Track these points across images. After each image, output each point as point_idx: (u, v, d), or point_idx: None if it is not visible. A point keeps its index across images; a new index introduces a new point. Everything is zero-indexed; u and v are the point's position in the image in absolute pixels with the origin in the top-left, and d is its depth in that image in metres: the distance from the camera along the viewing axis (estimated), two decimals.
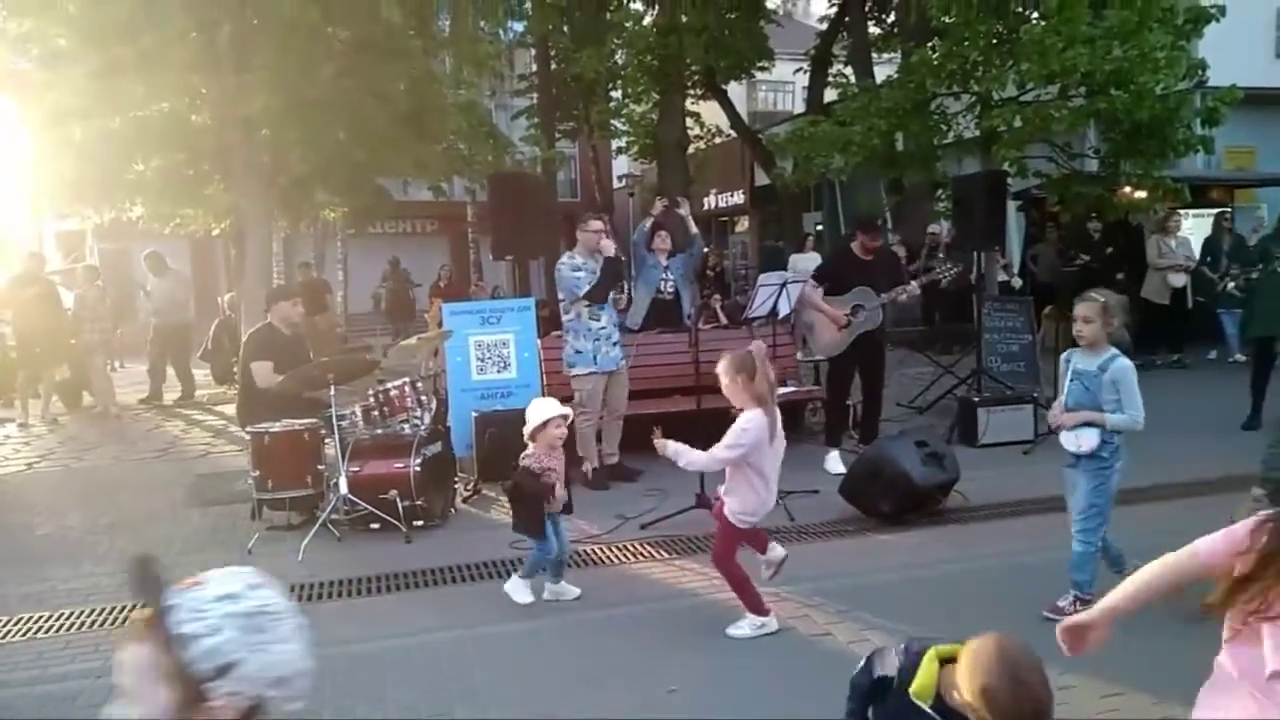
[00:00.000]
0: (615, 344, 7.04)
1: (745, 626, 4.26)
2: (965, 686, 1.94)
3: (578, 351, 6.91)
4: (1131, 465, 6.91)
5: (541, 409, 4.64)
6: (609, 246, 6.98)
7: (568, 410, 4.72)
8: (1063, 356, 4.38)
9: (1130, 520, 5.81)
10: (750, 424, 4.12)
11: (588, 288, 6.81)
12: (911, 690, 2.14)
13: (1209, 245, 12.09)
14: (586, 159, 25.07)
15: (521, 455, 4.64)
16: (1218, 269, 11.59)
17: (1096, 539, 4.27)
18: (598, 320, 6.93)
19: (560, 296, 7.04)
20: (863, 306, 7.27)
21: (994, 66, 9.39)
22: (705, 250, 12.45)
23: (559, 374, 8.07)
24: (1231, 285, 11.36)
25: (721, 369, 4.21)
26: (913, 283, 7.37)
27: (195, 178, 10.56)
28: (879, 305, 7.24)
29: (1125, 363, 4.16)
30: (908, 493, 5.71)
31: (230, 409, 9.68)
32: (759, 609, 4.27)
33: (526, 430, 4.63)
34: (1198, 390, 10.09)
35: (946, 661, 2.13)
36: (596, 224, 7.13)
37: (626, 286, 10.29)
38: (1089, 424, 4.15)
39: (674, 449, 4.26)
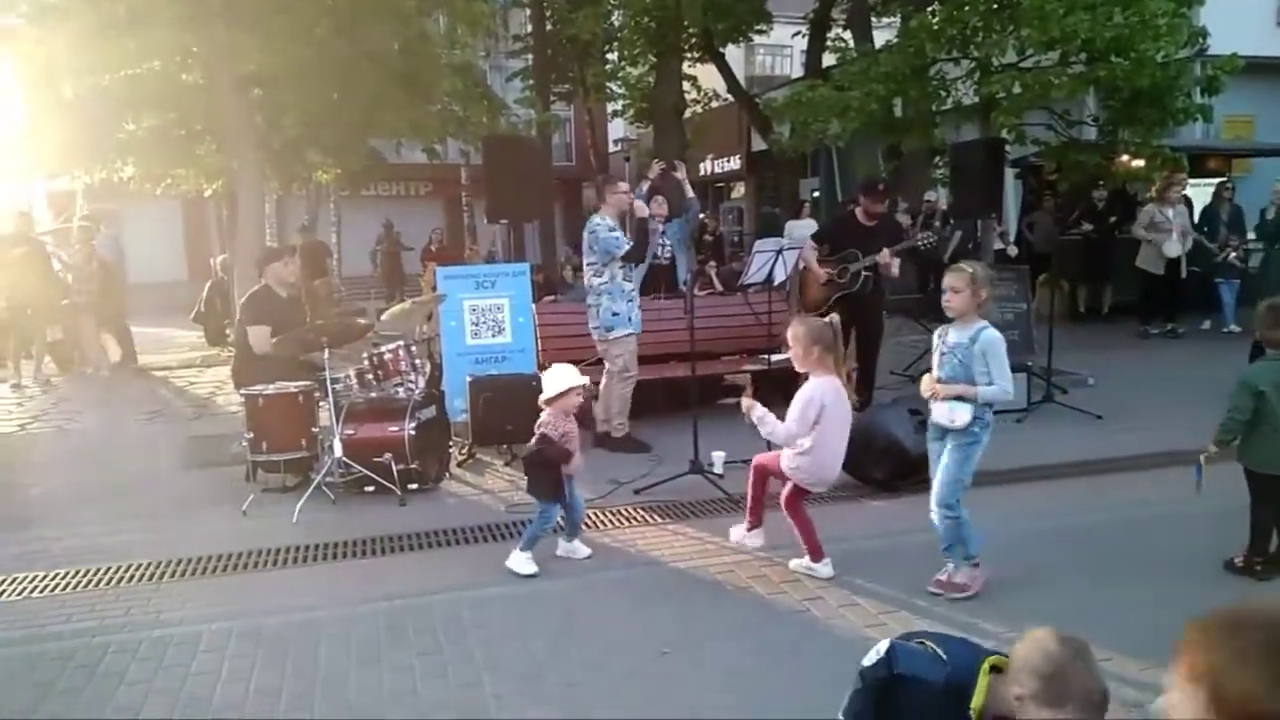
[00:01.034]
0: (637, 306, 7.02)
1: (800, 563, 4.55)
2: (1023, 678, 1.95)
3: (615, 314, 6.74)
4: (1119, 434, 7.03)
5: (563, 377, 4.60)
6: (641, 208, 6.99)
7: (586, 380, 4.69)
8: (935, 332, 4.30)
9: (1118, 487, 5.89)
10: (816, 393, 4.27)
11: (628, 247, 6.75)
12: (972, 707, 2.14)
13: (1207, 214, 12.06)
14: (582, 122, 24.85)
15: (537, 422, 4.63)
16: (1216, 238, 11.58)
17: (959, 510, 4.23)
18: (630, 281, 6.88)
19: (590, 260, 6.84)
20: (848, 268, 7.28)
21: (994, 32, 9.29)
22: (701, 215, 12.38)
23: (554, 338, 8.08)
24: (1232, 255, 11.38)
25: (797, 335, 4.31)
26: (885, 250, 7.28)
27: (187, 138, 10.47)
28: (860, 269, 7.24)
29: (994, 334, 4.08)
30: (900, 460, 5.73)
31: (224, 371, 9.66)
32: (818, 552, 4.49)
33: (543, 397, 4.62)
34: (1192, 360, 10.13)
35: (995, 670, 2.13)
36: (625, 185, 7.12)
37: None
38: (960, 398, 4.08)
39: (759, 414, 4.40)
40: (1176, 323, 11.68)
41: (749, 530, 4.83)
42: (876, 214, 7.43)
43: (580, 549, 4.84)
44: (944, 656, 2.29)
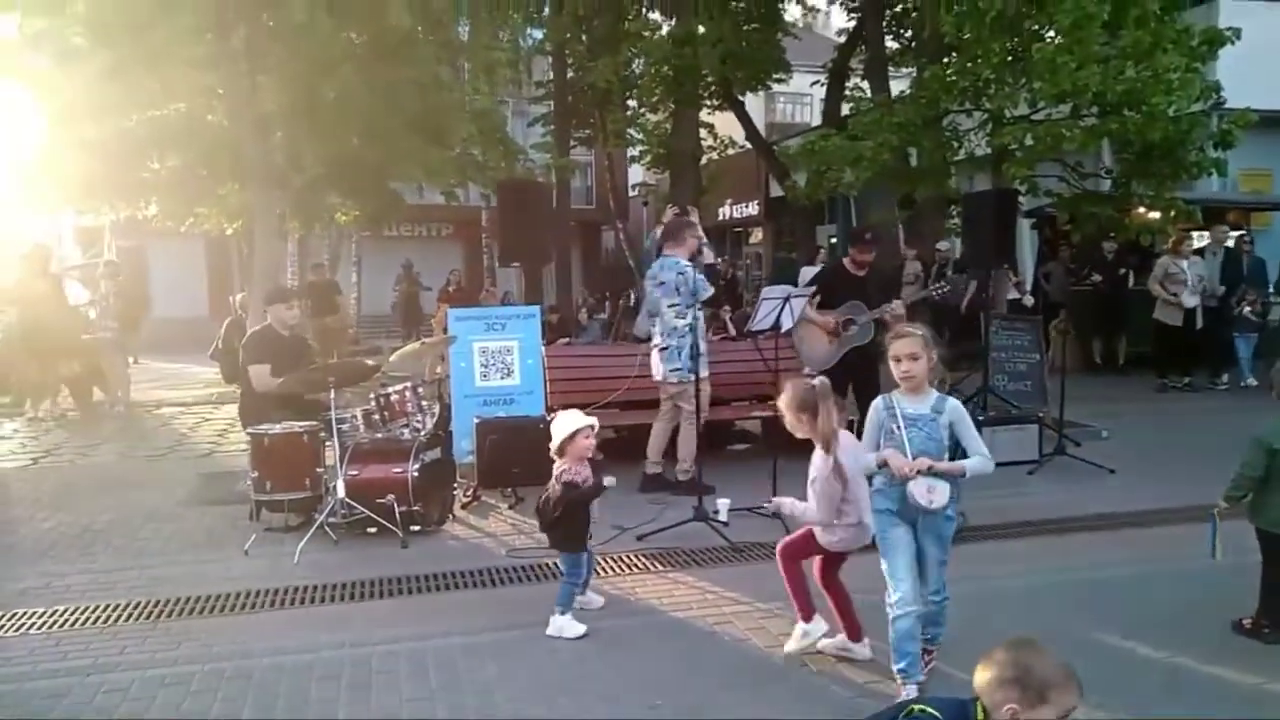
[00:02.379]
0: None
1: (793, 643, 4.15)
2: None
3: (701, 354, 6.61)
4: (1130, 489, 6.94)
5: (568, 421, 4.52)
6: (709, 254, 7.03)
7: (594, 420, 4.60)
8: (876, 404, 3.83)
9: (1127, 543, 5.80)
10: (825, 467, 3.86)
11: (712, 290, 6.78)
12: None
13: (1226, 268, 11.99)
14: (602, 166, 25.11)
15: (555, 471, 4.52)
16: (1235, 293, 11.51)
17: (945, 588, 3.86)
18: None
19: (674, 301, 6.72)
20: (854, 321, 7.24)
21: (1006, 84, 9.36)
22: (717, 260, 12.41)
23: (563, 381, 8.09)
24: (1248, 310, 11.29)
25: (783, 404, 3.95)
26: (896, 301, 7.24)
27: (209, 177, 10.63)
28: (869, 320, 7.21)
29: (956, 401, 3.76)
30: None
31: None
32: (809, 611, 4.10)
33: (554, 444, 4.52)
34: (1208, 414, 10.02)
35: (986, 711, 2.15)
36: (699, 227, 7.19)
37: None
38: (940, 475, 3.63)
39: (788, 509, 4.05)
40: (1193, 376, 11.58)
41: (808, 622, 4.14)
42: (866, 263, 7.41)
43: (594, 599, 4.78)
44: (938, 715, 2.30)
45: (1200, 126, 9.30)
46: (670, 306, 6.79)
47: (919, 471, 3.62)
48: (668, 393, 6.97)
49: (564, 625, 4.45)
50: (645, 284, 7.29)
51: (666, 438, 7.01)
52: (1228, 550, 4.34)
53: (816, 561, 4.09)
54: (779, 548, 4.17)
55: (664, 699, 3.77)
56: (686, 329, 6.69)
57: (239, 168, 9.70)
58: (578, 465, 4.51)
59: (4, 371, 11.79)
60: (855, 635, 4.11)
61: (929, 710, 2.36)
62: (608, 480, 4.53)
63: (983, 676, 2.09)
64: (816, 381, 3.94)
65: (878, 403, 3.83)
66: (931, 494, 3.62)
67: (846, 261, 7.51)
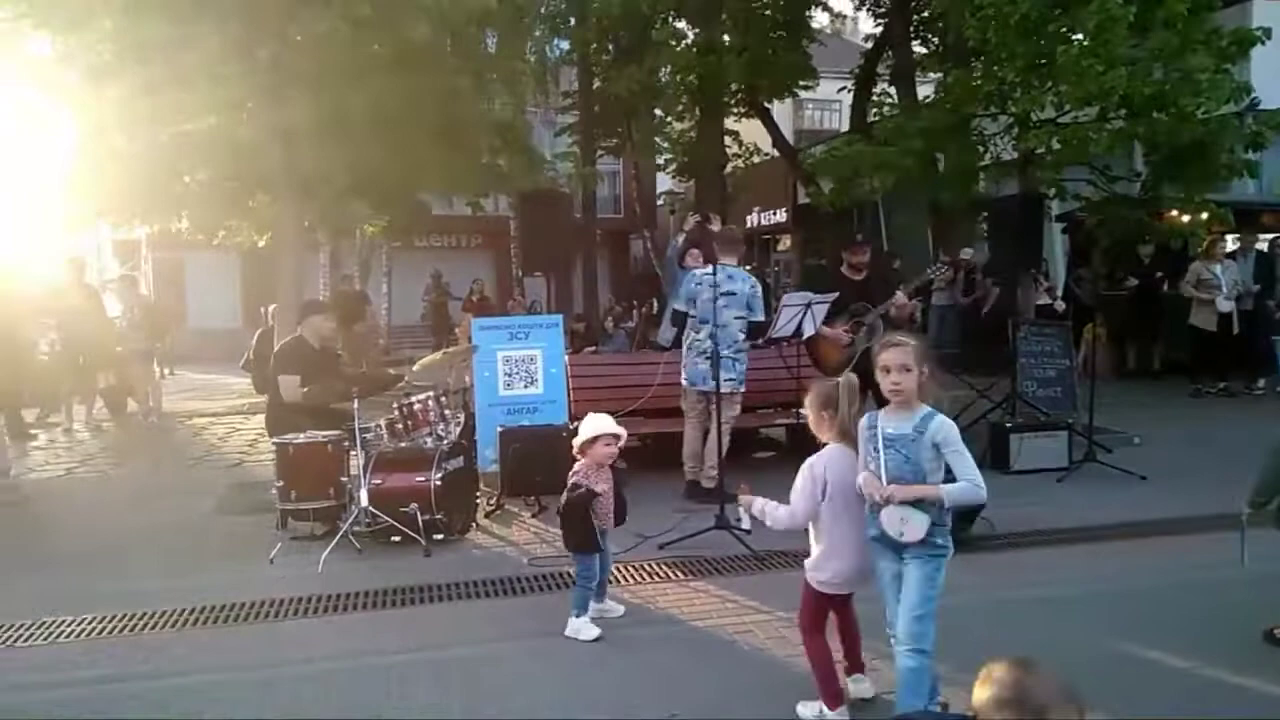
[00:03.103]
0: None
1: (810, 710, 3.65)
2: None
3: (745, 367, 6.91)
4: (1162, 496, 6.83)
5: (594, 424, 4.54)
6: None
7: (621, 430, 4.60)
8: (861, 422, 3.48)
9: (1157, 551, 5.70)
10: (819, 462, 3.59)
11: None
12: None
13: (1259, 271, 11.79)
14: (629, 175, 25.15)
15: (571, 470, 4.58)
16: (1272, 295, 11.33)
17: (930, 643, 3.32)
18: None
19: (739, 314, 6.82)
20: (862, 321, 7.22)
21: (1031, 88, 9.26)
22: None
23: (587, 390, 8.11)
24: None
25: (808, 403, 3.75)
26: (898, 292, 7.20)
27: (239, 190, 10.76)
28: (876, 317, 7.19)
29: (946, 419, 3.33)
30: None
31: None
32: (833, 698, 3.60)
33: (576, 444, 4.58)
34: (1243, 420, 9.84)
35: None
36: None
37: None
38: (917, 503, 3.26)
39: (758, 506, 3.78)
40: (1229, 381, 11.39)
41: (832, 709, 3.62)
42: (862, 264, 7.44)
43: (613, 608, 4.77)
44: None
45: (1231, 128, 9.14)
46: (737, 319, 6.82)
47: (888, 499, 3.29)
48: (691, 399, 6.96)
49: (579, 627, 4.48)
50: (692, 291, 7.21)
51: (701, 442, 7.01)
52: (1260, 558, 4.26)
53: (803, 605, 3.72)
54: (799, 621, 3.74)
55: (681, 708, 3.75)
56: (746, 343, 6.83)
57: (268, 180, 9.82)
58: (594, 471, 4.53)
59: (47, 383, 12.02)
60: (832, 702, 3.61)
61: None
62: (599, 487, 4.51)
63: (980, 695, 2.07)
64: (842, 378, 3.74)
65: (863, 421, 3.49)
66: (904, 525, 3.26)
67: (844, 269, 7.53)
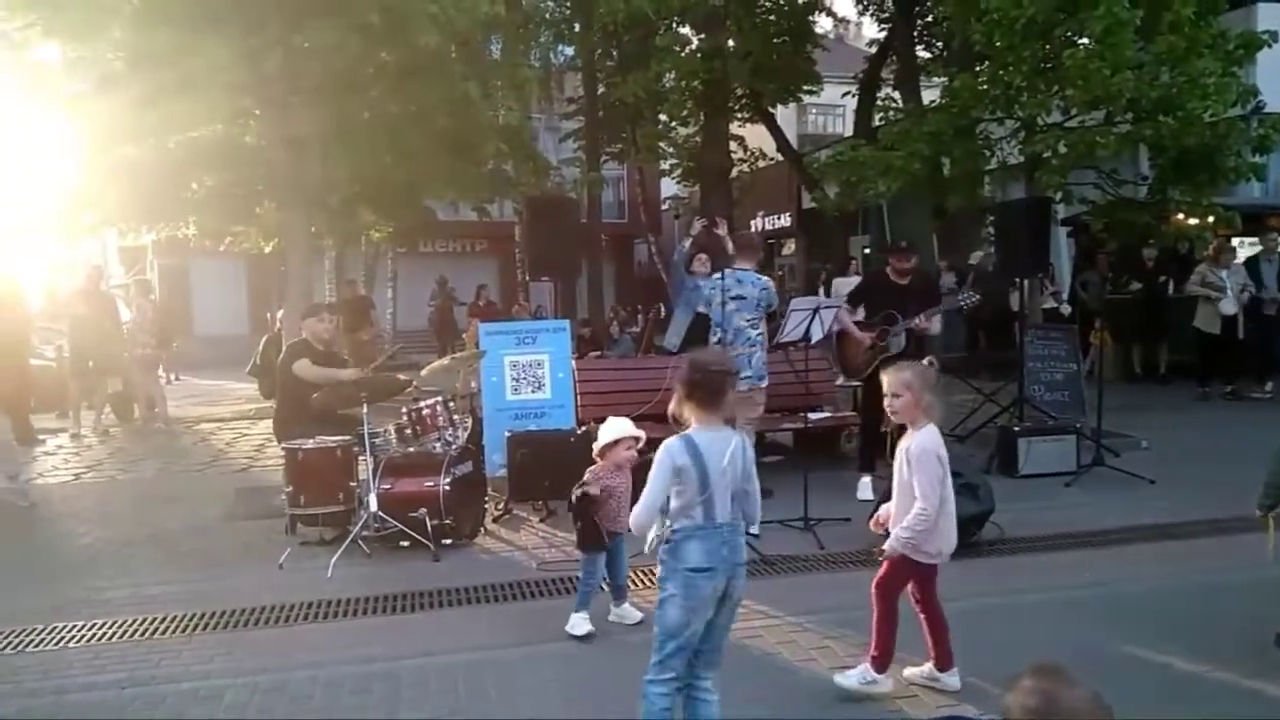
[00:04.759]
0: None
1: (854, 677, 3.84)
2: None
3: (765, 363, 6.91)
4: (1169, 500, 6.81)
5: (616, 428, 4.55)
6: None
7: (640, 434, 4.60)
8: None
9: (1164, 556, 5.69)
10: (931, 444, 3.69)
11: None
12: None
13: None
14: (634, 180, 25.19)
15: (588, 470, 4.59)
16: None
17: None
18: None
19: (751, 315, 6.83)
20: (889, 331, 7.21)
21: (1038, 92, 9.26)
22: None
23: (594, 394, 8.13)
24: None
25: (908, 383, 3.70)
26: (919, 316, 7.18)
27: (246, 197, 10.81)
28: (901, 331, 7.17)
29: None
30: None
31: None
32: (883, 665, 3.82)
33: (596, 447, 4.59)
34: (1250, 423, 9.81)
35: None
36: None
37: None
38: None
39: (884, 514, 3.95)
40: (1237, 384, 11.37)
41: (878, 670, 3.85)
42: (907, 270, 7.38)
43: (631, 613, 4.77)
44: None
45: (1237, 131, 9.14)
46: (748, 320, 6.81)
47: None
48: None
49: (575, 623, 4.55)
50: (701, 296, 7.27)
51: None
52: (1270, 563, 4.24)
53: (911, 586, 3.87)
54: (875, 583, 3.87)
55: None
56: (758, 339, 6.80)
57: (275, 187, 9.86)
58: (609, 472, 4.53)
59: (56, 389, 12.07)
60: (945, 664, 3.87)
61: None
62: (594, 490, 4.51)
63: (1009, 702, 2.06)
64: (927, 360, 3.90)
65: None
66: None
67: (889, 270, 7.48)
